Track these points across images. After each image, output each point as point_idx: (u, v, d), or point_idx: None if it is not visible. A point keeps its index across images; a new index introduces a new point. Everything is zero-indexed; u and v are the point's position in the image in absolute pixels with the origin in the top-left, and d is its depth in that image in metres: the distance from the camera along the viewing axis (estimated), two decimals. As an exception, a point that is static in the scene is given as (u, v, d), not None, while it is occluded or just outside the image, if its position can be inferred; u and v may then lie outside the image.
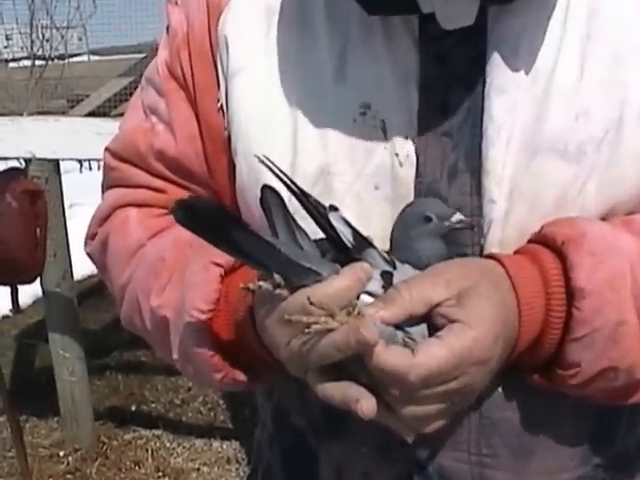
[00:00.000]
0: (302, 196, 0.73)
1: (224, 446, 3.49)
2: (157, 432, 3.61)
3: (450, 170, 0.81)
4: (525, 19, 0.79)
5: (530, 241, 0.80)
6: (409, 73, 0.81)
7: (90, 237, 1.04)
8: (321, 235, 0.75)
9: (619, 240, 0.76)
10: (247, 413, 3.67)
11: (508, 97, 0.79)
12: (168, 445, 3.52)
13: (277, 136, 0.85)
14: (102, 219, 1.01)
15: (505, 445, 0.84)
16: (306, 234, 0.74)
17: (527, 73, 0.79)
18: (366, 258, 0.73)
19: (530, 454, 0.85)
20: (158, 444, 3.53)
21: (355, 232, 0.74)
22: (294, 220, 0.73)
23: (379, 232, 0.80)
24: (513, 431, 0.84)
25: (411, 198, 0.81)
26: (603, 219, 0.80)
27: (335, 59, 0.83)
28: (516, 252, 0.79)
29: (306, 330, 0.70)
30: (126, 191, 0.99)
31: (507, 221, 0.79)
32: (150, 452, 3.45)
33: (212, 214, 0.70)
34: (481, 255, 0.80)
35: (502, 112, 0.79)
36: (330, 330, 0.69)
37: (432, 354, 0.69)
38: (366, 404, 0.70)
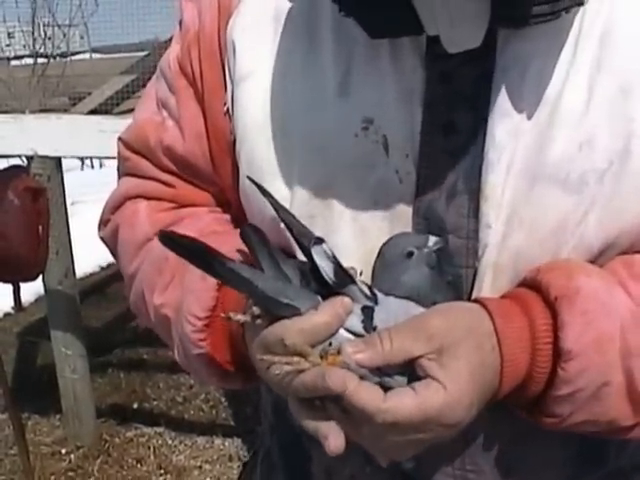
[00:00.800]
0: (288, 227, 0.76)
1: (226, 444, 3.49)
2: (159, 430, 3.62)
3: (449, 191, 0.80)
4: (536, 45, 0.77)
5: (524, 283, 0.79)
6: (414, 90, 0.80)
7: (103, 223, 1.06)
8: None
9: (613, 298, 0.75)
10: (249, 411, 3.68)
11: (512, 122, 0.77)
12: (170, 443, 3.52)
13: (279, 146, 0.85)
14: (114, 207, 1.03)
15: (489, 463, 0.85)
16: (292, 263, 0.76)
17: (533, 99, 0.77)
18: (347, 293, 0.74)
19: (515, 473, 0.85)
20: (160, 442, 3.53)
21: (337, 267, 0.74)
22: (278, 253, 0.76)
23: (376, 248, 0.79)
24: (498, 450, 0.85)
25: (409, 215, 0.81)
26: (604, 249, 0.78)
27: (340, 73, 0.82)
28: (509, 296, 0.78)
29: (277, 372, 0.71)
30: (138, 182, 1.01)
31: (504, 245, 0.78)
32: (152, 450, 3.46)
33: (193, 248, 0.73)
34: (474, 277, 0.80)
35: (504, 137, 0.77)
36: (302, 371, 0.70)
37: (402, 404, 0.69)
38: (334, 442, 0.71)
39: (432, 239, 0.77)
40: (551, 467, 0.86)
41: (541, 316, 0.75)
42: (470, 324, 0.74)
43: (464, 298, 0.80)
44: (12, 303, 4.95)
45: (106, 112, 3.27)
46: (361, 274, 0.78)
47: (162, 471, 3.33)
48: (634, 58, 0.77)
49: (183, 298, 0.86)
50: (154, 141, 0.97)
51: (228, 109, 0.90)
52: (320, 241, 0.74)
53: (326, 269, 0.73)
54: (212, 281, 0.84)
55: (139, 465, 3.36)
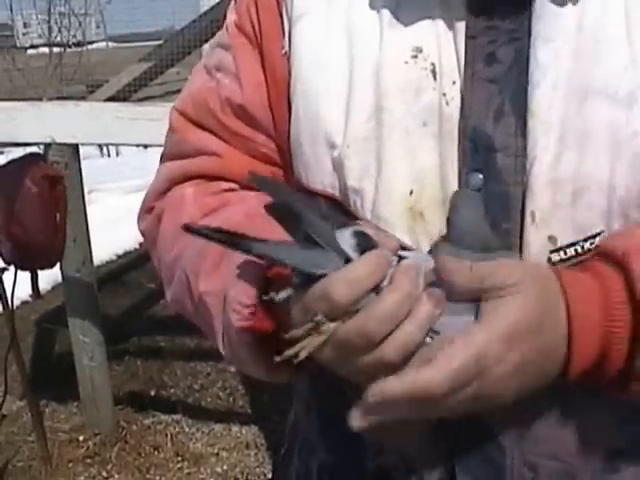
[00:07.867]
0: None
1: (243, 431, 3.50)
2: (176, 417, 3.63)
3: (496, 112, 0.83)
4: None
5: (590, 256, 0.79)
6: (458, 24, 0.85)
7: (146, 211, 1.05)
8: None
9: None
10: (266, 398, 3.69)
11: (554, 46, 0.81)
12: (187, 430, 3.54)
13: (334, 75, 0.89)
14: (160, 192, 1.03)
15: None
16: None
17: (573, 27, 0.81)
18: None
19: (567, 406, 0.84)
20: (177, 429, 3.54)
21: (359, 245, 0.73)
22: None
23: (427, 164, 0.84)
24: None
25: (456, 135, 0.84)
26: None
27: (391, 7, 0.88)
28: (576, 268, 0.79)
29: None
30: (181, 163, 1.02)
31: (559, 162, 0.80)
32: (169, 437, 3.47)
33: (217, 237, 0.76)
34: (524, 194, 0.81)
35: (548, 58, 0.81)
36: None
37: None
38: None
39: None
40: (604, 403, 0.84)
41: (610, 271, 0.75)
42: (533, 269, 0.76)
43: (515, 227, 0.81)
44: (30, 291, 4.96)
45: (124, 99, 3.26)
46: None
47: (179, 458, 3.34)
48: None
49: (229, 284, 0.85)
50: (213, 101, 0.99)
51: (286, 52, 0.94)
52: (345, 225, 0.75)
53: (352, 256, 0.73)
54: (258, 267, 0.84)
55: (156, 452, 3.38)
